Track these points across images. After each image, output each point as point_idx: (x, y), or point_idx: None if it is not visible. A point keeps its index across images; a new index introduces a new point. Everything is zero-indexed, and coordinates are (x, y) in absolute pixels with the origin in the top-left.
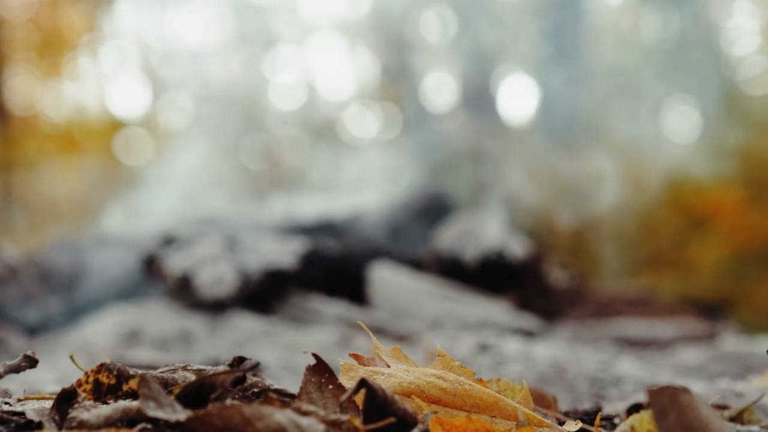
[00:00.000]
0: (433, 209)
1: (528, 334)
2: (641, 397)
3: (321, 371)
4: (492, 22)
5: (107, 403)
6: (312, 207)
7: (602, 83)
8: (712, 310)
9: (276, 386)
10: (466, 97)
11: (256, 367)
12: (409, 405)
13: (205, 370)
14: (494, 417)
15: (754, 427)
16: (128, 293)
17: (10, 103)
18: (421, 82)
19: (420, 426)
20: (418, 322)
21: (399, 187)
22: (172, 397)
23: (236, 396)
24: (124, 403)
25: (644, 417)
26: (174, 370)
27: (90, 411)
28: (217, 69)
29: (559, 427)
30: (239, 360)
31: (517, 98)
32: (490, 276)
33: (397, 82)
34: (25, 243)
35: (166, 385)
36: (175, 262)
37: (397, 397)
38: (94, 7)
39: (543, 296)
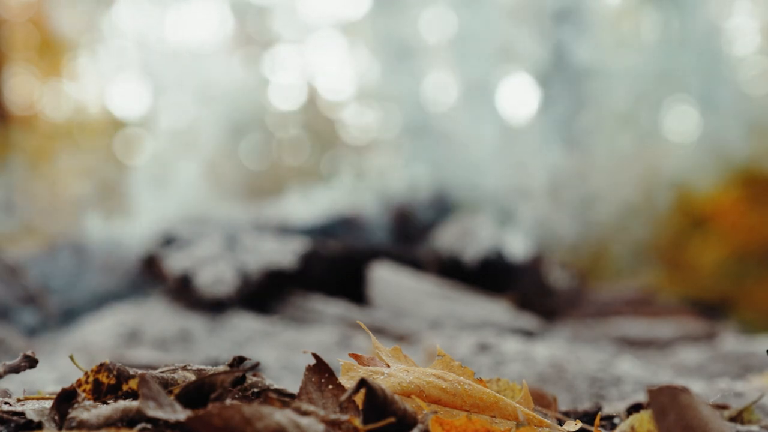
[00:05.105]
0: (432, 209)
1: (528, 334)
2: (641, 397)
3: (321, 371)
4: (492, 22)
5: (107, 403)
6: (312, 207)
7: (602, 83)
8: (712, 310)
9: (276, 386)
10: (466, 97)
11: (256, 367)
12: (409, 405)
13: (205, 370)
14: (494, 417)
15: (754, 427)
16: (128, 293)
17: (10, 103)
18: (421, 82)
19: (420, 426)
20: (418, 322)
21: (399, 188)
22: (172, 397)
23: (236, 396)
24: (124, 403)
25: (644, 417)
26: (174, 370)
27: (90, 411)
28: (217, 69)
29: (559, 427)
30: (239, 360)
31: (517, 98)
32: (490, 276)
33: (397, 82)
34: (25, 243)
35: (166, 385)
36: (175, 262)
37: (396, 397)
38: (94, 7)
39: (543, 296)
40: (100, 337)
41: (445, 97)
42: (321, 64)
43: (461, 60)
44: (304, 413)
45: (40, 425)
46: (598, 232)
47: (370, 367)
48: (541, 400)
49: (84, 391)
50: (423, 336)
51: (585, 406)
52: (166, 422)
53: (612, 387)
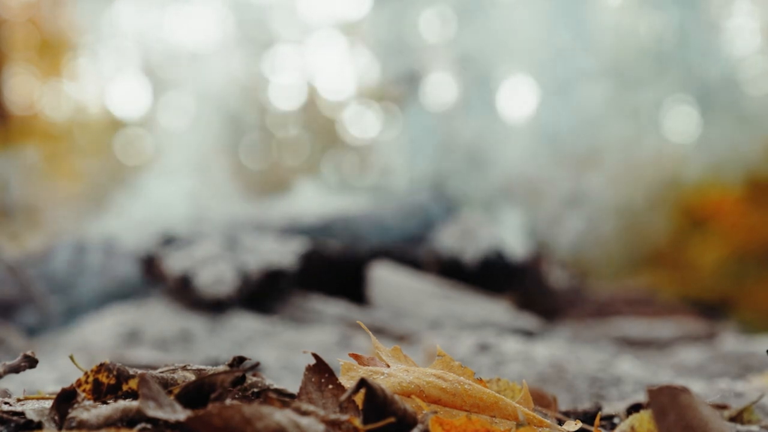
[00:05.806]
0: (433, 209)
1: (528, 334)
2: (641, 397)
3: (321, 371)
4: (492, 22)
5: (107, 403)
6: (312, 207)
7: (602, 83)
8: (712, 310)
9: (276, 386)
10: (466, 97)
11: (256, 367)
12: (409, 405)
13: (205, 370)
14: (494, 417)
15: (754, 427)
16: (128, 293)
17: (10, 103)
18: (421, 82)
19: (420, 426)
20: (418, 322)
21: (399, 188)
22: (172, 397)
23: (236, 396)
24: (123, 403)
25: (644, 417)
26: (174, 370)
27: (90, 411)
28: (217, 69)
29: (559, 427)
30: (239, 360)
31: (517, 99)
32: (490, 276)
33: (397, 82)
34: (25, 243)
35: (166, 385)
36: (175, 262)
37: (396, 397)
38: (94, 7)
39: (543, 296)
40: (100, 337)
41: (444, 96)
42: (321, 64)
43: (461, 59)
44: (304, 413)
45: (40, 425)
46: (598, 232)
47: (370, 367)
48: (541, 400)
49: (84, 391)
50: (423, 336)
51: (585, 406)
52: (166, 422)
53: (612, 387)
